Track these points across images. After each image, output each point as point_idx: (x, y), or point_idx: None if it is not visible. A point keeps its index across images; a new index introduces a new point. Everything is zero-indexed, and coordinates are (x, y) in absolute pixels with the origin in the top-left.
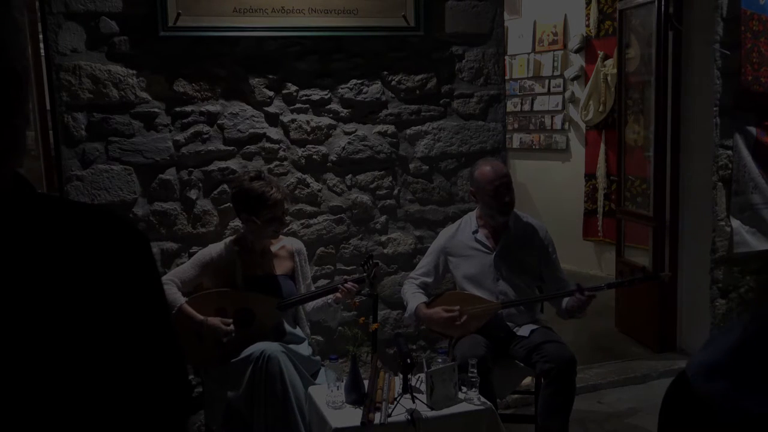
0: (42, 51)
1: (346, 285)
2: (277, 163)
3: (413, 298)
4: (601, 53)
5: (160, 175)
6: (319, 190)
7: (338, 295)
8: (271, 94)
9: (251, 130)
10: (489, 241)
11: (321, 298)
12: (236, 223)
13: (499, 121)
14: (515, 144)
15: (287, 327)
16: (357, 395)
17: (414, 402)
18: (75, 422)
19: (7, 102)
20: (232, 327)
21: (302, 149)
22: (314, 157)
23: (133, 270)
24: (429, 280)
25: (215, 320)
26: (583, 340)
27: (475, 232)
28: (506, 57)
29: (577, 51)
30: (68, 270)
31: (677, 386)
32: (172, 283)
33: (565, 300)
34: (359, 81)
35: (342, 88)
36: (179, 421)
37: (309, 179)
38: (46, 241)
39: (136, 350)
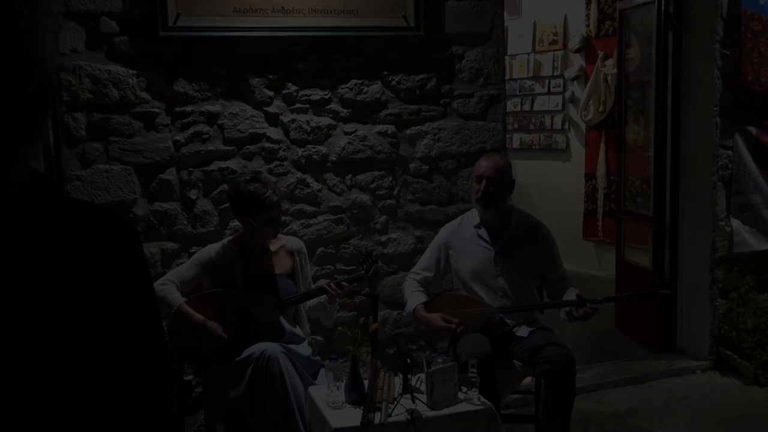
0: None
1: (331, 285)
2: (277, 163)
3: (412, 297)
4: (601, 53)
5: (160, 175)
6: (319, 190)
7: (326, 296)
8: (271, 94)
9: (251, 130)
10: (491, 237)
11: (315, 297)
12: (236, 223)
13: (499, 121)
14: (515, 144)
15: (287, 326)
16: (357, 395)
17: (414, 402)
18: (50, 408)
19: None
20: (226, 335)
21: (302, 149)
22: (314, 157)
23: (120, 262)
24: (430, 274)
25: (213, 325)
26: (583, 340)
27: (478, 227)
28: (506, 57)
29: (577, 51)
30: (56, 260)
31: None
32: (171, 283)
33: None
34: (359, 81)
35: (342, 88)
36: (156, 411)
37: (309, 179)
38: (34, 232)
39: (118, 341)
